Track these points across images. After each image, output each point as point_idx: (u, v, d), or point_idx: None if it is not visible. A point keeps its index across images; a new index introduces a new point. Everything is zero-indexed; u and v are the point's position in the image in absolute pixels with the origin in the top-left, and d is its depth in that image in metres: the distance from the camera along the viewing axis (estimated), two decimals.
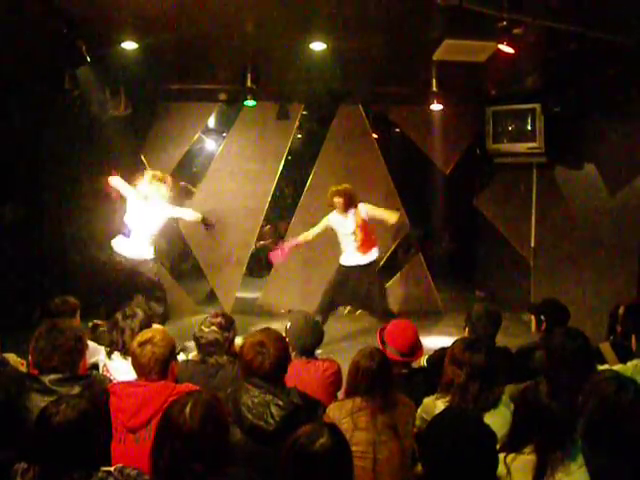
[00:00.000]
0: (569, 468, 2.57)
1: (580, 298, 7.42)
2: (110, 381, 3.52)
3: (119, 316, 4.03)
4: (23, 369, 3.87)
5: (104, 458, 2.48)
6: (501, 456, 2.56)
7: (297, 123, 9.15)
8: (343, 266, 7.32)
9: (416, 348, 4.11)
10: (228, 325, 3.92)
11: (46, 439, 2.34)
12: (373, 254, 7.27)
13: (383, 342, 4.12)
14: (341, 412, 3.24)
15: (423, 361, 4.49)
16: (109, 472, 2.36)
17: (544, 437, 2.63)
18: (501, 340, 4.59)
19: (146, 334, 3.32)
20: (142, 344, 3.23)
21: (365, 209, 7.14)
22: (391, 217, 7.18)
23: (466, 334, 4.47)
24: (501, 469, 2.54)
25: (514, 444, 2.69)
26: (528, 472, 2.57)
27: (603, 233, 7.49)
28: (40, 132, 7.23)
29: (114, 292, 6.69)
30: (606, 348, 4.34)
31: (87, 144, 8.20)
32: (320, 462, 2.16)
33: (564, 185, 8.43)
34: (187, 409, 2.33)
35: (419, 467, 3.15)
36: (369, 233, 7.21)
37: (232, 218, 8.70)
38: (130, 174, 6.91)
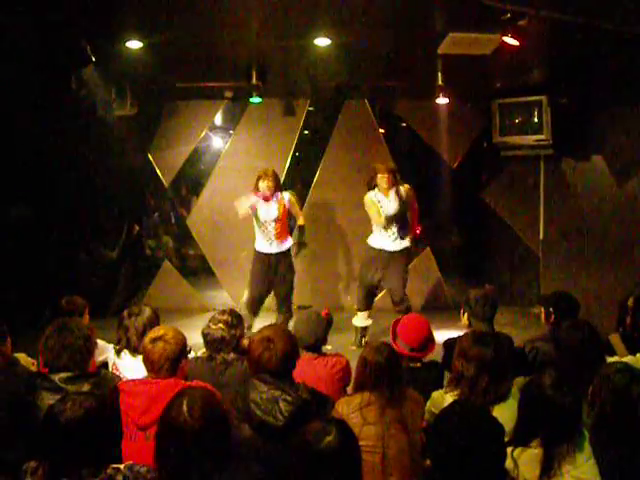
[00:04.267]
0: (576, 461, 2.57)
1: (589, 290, 7.39)
2: (119, 379, 3.53)
3: (125, 314, 4.04)
4: (34, 368, 3.90)
5: (114, 455, 2.49)
6: (508, 450, 2.56)
7: (303, 119, 9.14)
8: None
9: (427, 344, 4.11)
10: (235, 322, 3.93)
11: (54, 437, 2.35)
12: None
13: (395, 335, 4.14)
14: (350, 407, 3.25)
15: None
16: (118, 469, 2.37)
17: (549, 430, 2.63)
18: (510, 333, 4.59)
19: (158, 331, 3.33)
20: (154, 341, 3.24)
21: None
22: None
23: (464, 319, 4.48)
24: (508, 463, 2.54)
25: (521, 438, 2.69)
26: (535, 466, 2.57)
27: (611, 225, 7.46)
28: (47, 132, 7.24)
29: None
30: (616, 340, 4.34)
31: (94, 144, 8.22)
32: (328, 459, 2.16)
33: (572, 177, 8.39)
34: (184, 407, 2.33)
35: (428, 461, 3.16)
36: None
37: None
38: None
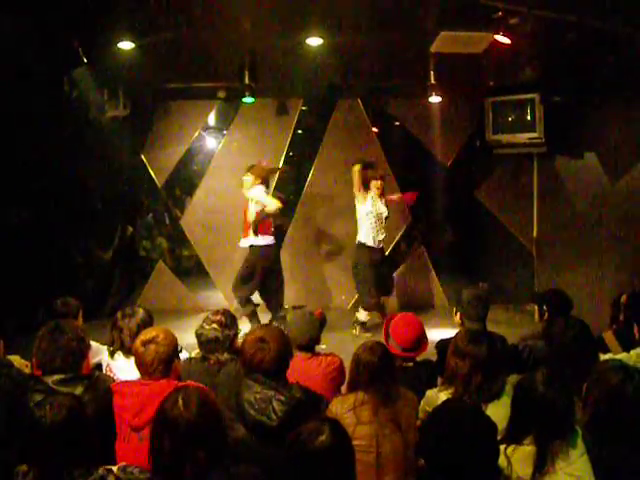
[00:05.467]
0: (569, 457, 2.57)
1: (583, 287, 7.40)
2: (113, 380, 3.53)
3: (119, 315, 4.03)
4: (27, 371, 3.88)
5: (106, 456, 2.49)
6: (502, 447, 2.56)
7: (296, 118, 9.14)
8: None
9: (419, 343, 4.09)
10: (229, 322, 3.92)
11: (38, 441, 2.35)
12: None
13: (387, 335, 4.13)
14: (343, 406, 3.25)
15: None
16: (110, 470, 2.37)
17: (542, 427, 2.63)
18: (505, 331, 4.60)
19: (149, 333, 3.32)
20: (145, 343, 3.22)
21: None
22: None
23: (457, 319, 4.48)
24: (502, 460, 2.54)
25: (514, 435, 2.69)
26: (529, 463, 2.57)
27: (605, 222, 7.48)
28: (41, 135, 7.22)
29: None
30: (609, 337, 4.35)
31: (87, 145, 8.20)
32: (321, 459, 2.16)
33: (565, 174, 8.41)
34: (180, 402, 2.34)
35: (422, 460, 3.16)
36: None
37: (233, 215, 8.71)
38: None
